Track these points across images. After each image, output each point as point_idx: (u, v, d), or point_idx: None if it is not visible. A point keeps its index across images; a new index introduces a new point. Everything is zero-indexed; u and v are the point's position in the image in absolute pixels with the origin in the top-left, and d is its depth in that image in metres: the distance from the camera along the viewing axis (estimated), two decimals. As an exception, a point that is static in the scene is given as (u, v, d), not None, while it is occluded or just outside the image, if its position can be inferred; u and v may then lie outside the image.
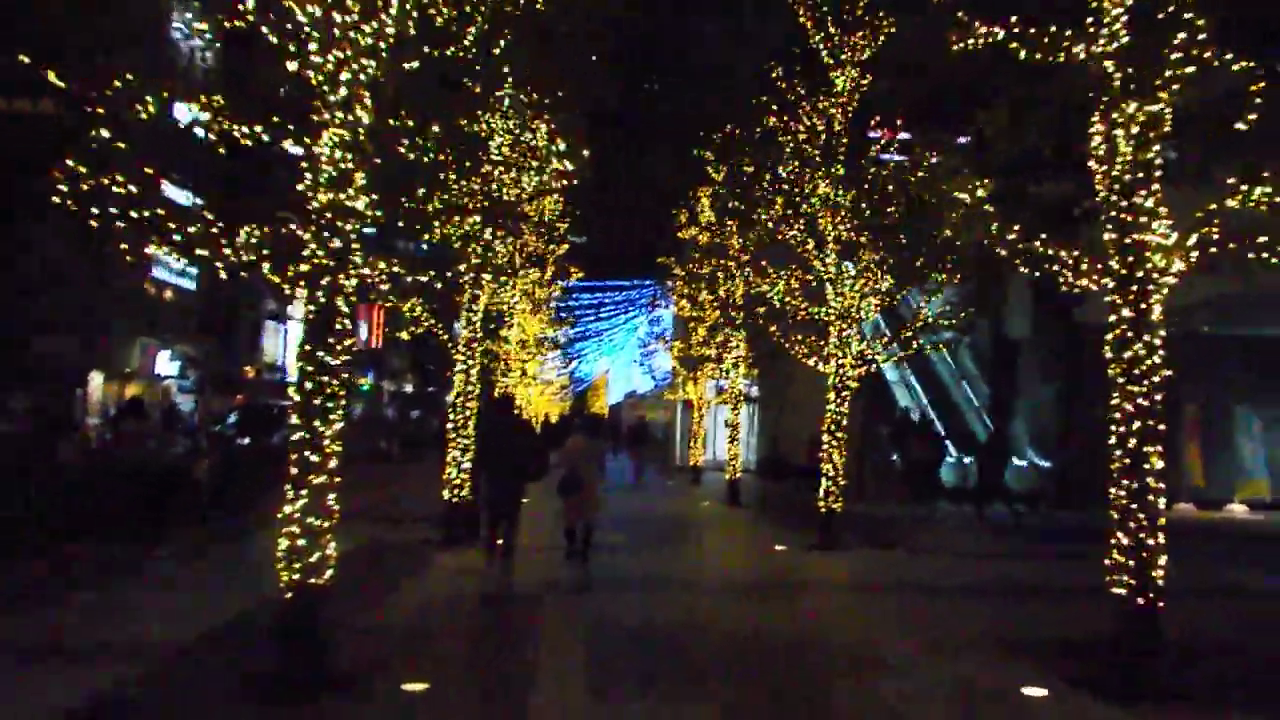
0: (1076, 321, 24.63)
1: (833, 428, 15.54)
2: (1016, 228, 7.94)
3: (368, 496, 20.85)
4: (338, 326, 7.35)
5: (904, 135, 15.43)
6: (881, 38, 15.09)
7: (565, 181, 15.78)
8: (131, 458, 16.10)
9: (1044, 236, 8.23)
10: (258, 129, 7.06)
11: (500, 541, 14.04)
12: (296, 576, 7.09)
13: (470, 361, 15.22)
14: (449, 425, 15.16)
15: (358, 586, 10.98)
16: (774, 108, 15.78)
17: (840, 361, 15.53)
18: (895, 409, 27.95)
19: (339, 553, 7.37)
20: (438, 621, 9.96)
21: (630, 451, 31.61)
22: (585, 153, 12.39)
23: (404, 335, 15.65)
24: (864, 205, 14.84)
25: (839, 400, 15.56)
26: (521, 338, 22.78)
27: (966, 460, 25.57)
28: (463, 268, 12.21)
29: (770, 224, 16.34)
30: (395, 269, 8.41)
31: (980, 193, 8.05)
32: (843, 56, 15.26)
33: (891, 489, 23.97)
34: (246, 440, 26.19)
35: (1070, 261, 8.17)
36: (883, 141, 15.44)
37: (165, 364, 42.54)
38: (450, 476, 14.91)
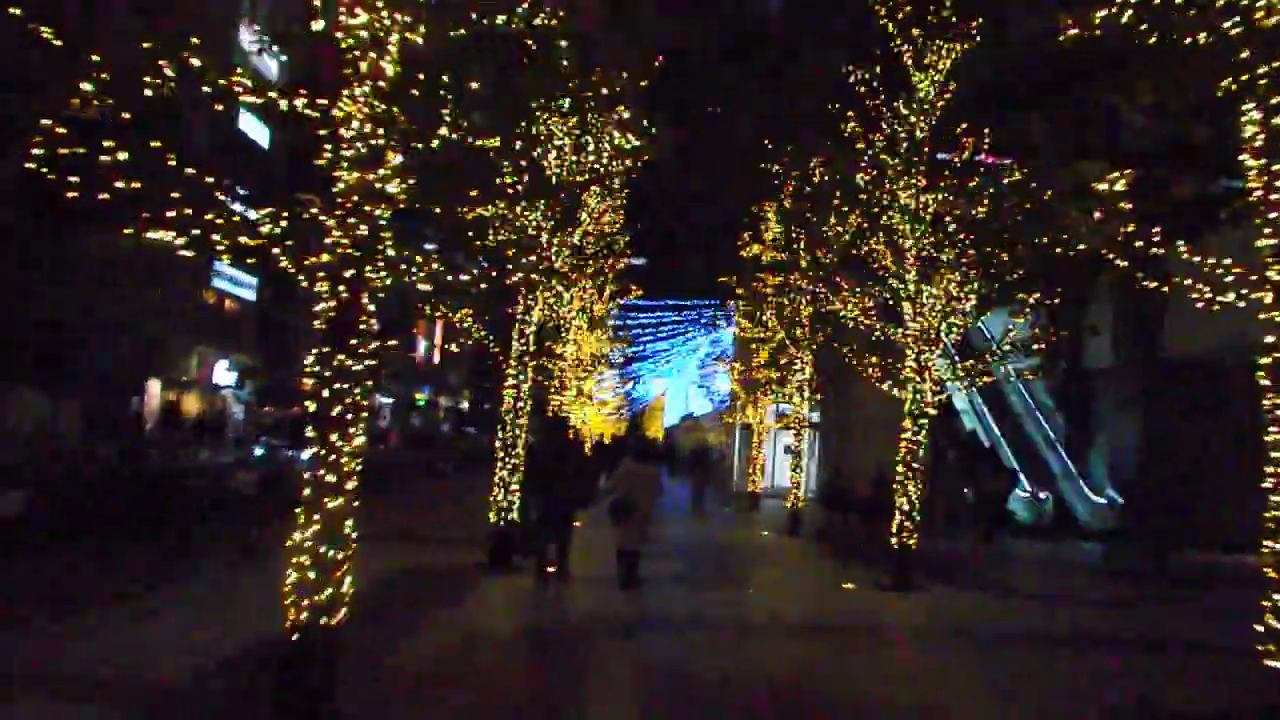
0: (1162, 354, 23.16)
1: (908, 458, 14.28)
2: (1156, 230, 6.70)
3: (417, 516, 19.93)
4: (361, 326, 6.34)
5: (979, 154, 14.21)
6: (967, 45, 13.91)
7: (630, 161, 14.61)
8: (159, 465, 15.35)
9: (1182, 242, 6.98)
10: (273, 94, 6.07)
11: (551, 569, 13.08)
12: (305, 616, 6.06)
13: (521, 377, 14.20)
14: (497, 444, 14.14)
15: (392, 616, 9.97)
16: (850, 114, 14.65)
17: (918, 387, 14.28)
18: (961, 434, 26.44)
19: (373, 578, 6.36)
20: (471, 662, 8.87)
21: (691, 477, 30.13)
22: (654, 130, 11.23)
23: (454, 348, 14.71)
24: (948, 219, 13.63)
25: (915, 429, 14.31)
26: (578, 355, 21.77)
27: (1042, 495, 24.02)
28: (511, 267, 11.18)
29: (845, 237, 15.14)
30: (435, 266, 7.38)
31: (1120, 185, 6.81)
32: (926, 61, 14.09)
33: (961, 523, 22.52)
34: (293, 451, 25.46)
35: (1216, 271, 6.90)
36: (956, 161, 14.13)
37: (222, 373, 42.28)
38: (498, 498, 13.90)
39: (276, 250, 6.18)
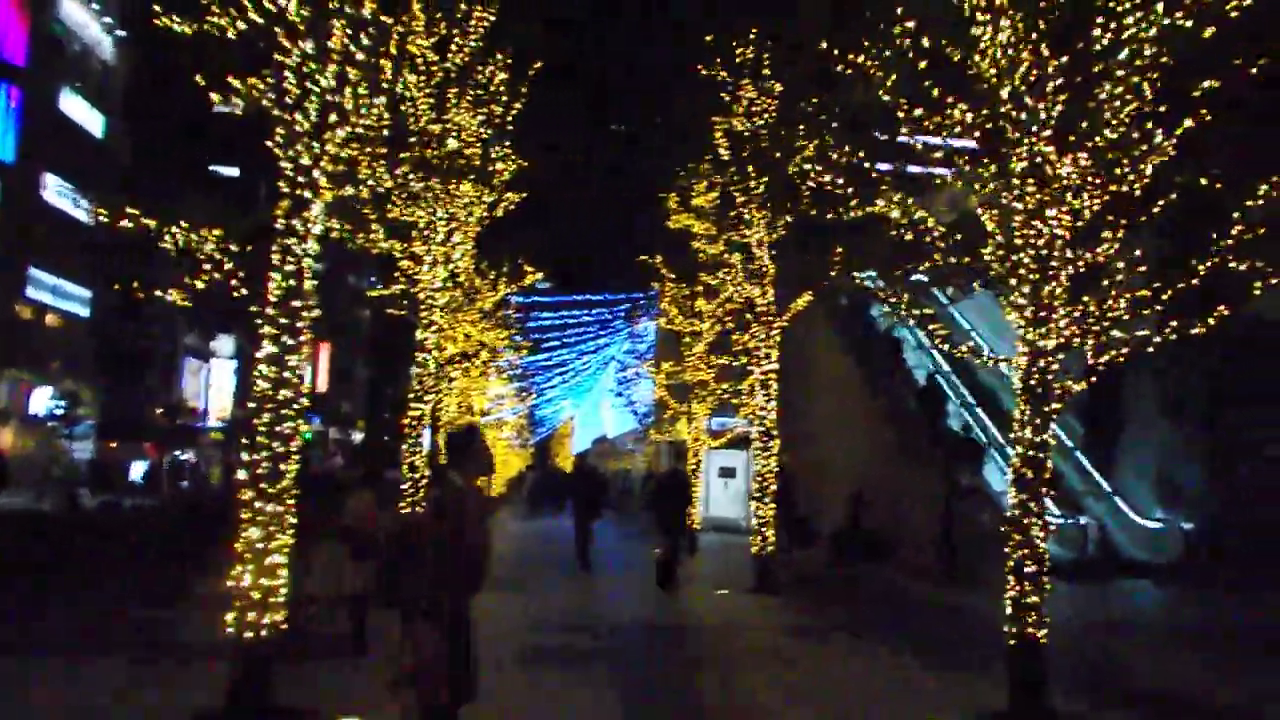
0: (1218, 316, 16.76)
1: (1027, 470, 7.25)
2: None
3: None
4: None
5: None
6: None
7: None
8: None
9: None
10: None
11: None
12: None
13: (286, 340, 6.82)
14: (240, 474, 6.75)
15: None
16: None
17: (1039, 344, 7.29)
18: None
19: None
20: None
21: (576, 512, 17.26)
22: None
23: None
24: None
25: (1037, 421, 7.29)
26: (444, 343, 14.43)
27: (1082, 521, 17.26)
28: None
29: (886, 92, 8.04)
30: None
31: None
32: None
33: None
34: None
35: None
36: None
37: (43, 403, 33.62)
38: (243, 581, 6.48)
39: None
